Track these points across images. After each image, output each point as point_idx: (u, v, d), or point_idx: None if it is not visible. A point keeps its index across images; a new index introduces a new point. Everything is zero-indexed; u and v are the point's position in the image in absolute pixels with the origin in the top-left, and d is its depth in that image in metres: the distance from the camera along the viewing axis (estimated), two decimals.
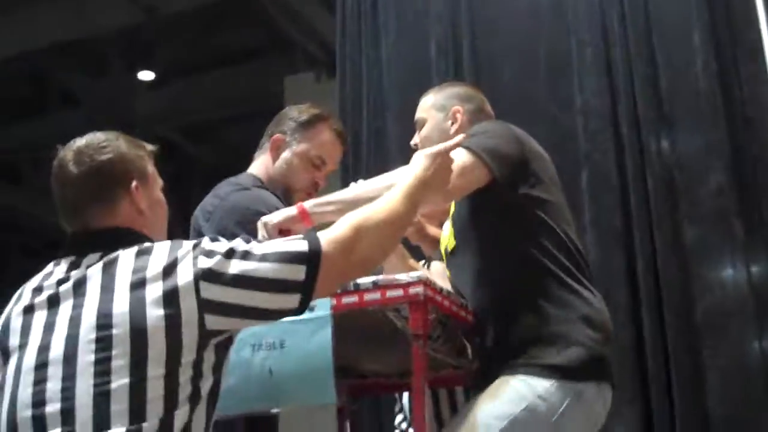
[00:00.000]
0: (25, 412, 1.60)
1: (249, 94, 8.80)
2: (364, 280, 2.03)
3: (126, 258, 1.69)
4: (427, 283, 1.98)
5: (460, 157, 2.13)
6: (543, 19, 4.47)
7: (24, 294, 1.77)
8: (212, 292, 1.64)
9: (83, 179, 1.80)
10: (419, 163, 1.98)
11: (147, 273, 1.65)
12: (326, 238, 1.73)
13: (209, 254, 1.67)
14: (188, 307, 1.63)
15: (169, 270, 1.65)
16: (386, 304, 2.02)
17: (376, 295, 2.01)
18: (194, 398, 1.62)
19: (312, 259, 1.69)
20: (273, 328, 2.01)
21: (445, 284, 2.38)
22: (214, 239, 1.73)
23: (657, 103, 4.10)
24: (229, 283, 1.65)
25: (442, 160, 2.01)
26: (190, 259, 1.66)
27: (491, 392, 2.09)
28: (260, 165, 2.76)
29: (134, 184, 1.83)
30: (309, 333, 1.99)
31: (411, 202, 1.88)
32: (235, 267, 1.66)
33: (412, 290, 1.97)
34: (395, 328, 2.10)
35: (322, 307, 1.99)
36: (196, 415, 1.62)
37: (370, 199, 1.92)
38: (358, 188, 2.21)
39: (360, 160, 4.75)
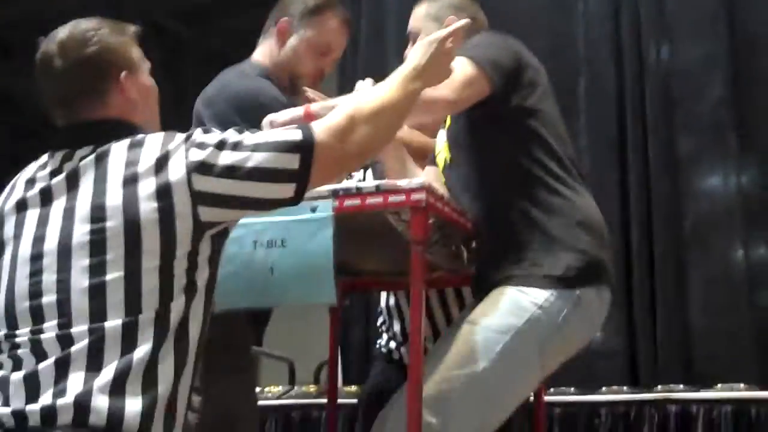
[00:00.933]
0: (22, 303, 1.61)
1: None
2: (367, 184, 2.06)
3: (118, 150, 1.68)
4: (429, 189, 2.01)
5: (465, 68, 2.13)
6: None
7: (17, 185, 1.77)
8: (204, 183, 1.63)
9: (70, 73, 1.76)
10: (418, 50, 1.97)
11: (139, 167, 1.64)
12: (320, 126, 1.71)
13: (201, 146, 1.66)
14: (181, 199, 1.62)
15: (161, 163, 1.64)
16: (388, 209, 2.04)
17: (378, 199, 2.02)
18: (190, 290, 1.63)
19: (306, 147, 1.67)
20: (274, 226, 2.03)
21: (441, 189, 2.41)
22: (206, 131, 1.71)
23: (659, 12, 4.09)
24: (221, 174, 1.64)
25: (440, 46, 1.99)
26: (182, 151, 1.65)
27: (490, 304, 2.12)
28: (265, 51, 2.72)
29: (123, 74, 1.79)
30: (310, 233, 2.01)
31: (407, 89, 1.86)
32: (227, 158, 1.65)
33: (414, 196, 1.98)
34: (393, 229, 2.13)
35: (324, 208, 2.02)
36: (193, 306, 1.64)
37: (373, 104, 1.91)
38: (364, 92, 2.21)
39: (358, 54, 4.73)
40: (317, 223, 2.02)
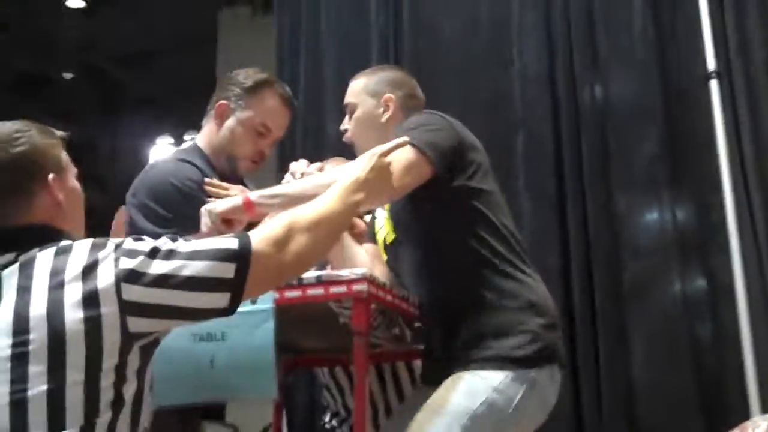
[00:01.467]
0: None
1: (182, 25, 8.61)
2: (308, 275, 2.04)
3: (44, 258, 1.63)
4: (370, 280, 2.00)
5: (404, 154, 2.13)
6: None
7: None
8: (134, 293, 1.58)
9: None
10: (360, 163, 1.97)
11: (65, 275, 1.59)
12: (258, 236, 1.69)
13: (131, 254, 1.61)
14: (109, 310, 1.57)
15: (89, 271, 1.59)
16: (329, 300, 2.02)
17: (319, 291, 2.01)
18: (117, 404, 1.58)
19: (242, 256, 1.64)
20: (214, 320, 2.00)
21: (381, 267, 2.40)
22: (137, 239, 1.67)
23: (594, 68, 4.13)
24: (152, 284, 1.59)
25: (380, 159, 2.00)
26: (111, 260, 1.61)
27: (447, 389, 2.11)
28: (205, 134, 2.72)
29: (51, 176, 1.77)
30: (251, 326, 1.98)
31: (347, 202, 1.87)
32: (159, 267, 1.60)
33: (355, 287, 1.98)
34: (335, 315, 2.11)
35: (265, 300, 1.99)
36: (120, 420, 1.58)
37: (314, 196, 1.90)
38: (303, 183, 2.19)
39: (297, 110, 4.69)
40: (258, 315, 1.99)
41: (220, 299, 1.64)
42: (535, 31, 4.25)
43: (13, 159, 1.73)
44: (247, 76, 2.72)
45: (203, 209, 2.15)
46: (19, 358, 1.54)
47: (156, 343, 1.69)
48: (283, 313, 2.03)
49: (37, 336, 1.55)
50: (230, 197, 2.22)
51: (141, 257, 1.61)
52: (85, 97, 9.99)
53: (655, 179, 3.96)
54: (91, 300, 1.57)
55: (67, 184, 1.82)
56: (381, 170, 1.99)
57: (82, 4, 8.71)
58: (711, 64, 3.77)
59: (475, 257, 2.21)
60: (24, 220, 1.72)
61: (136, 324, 1.59)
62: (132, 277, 1.59)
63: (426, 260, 2.27)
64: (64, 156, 1.84)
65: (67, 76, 10.02)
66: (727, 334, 3.76)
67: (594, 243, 3.95)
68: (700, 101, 3.83)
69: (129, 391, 1.61)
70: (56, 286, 1.58)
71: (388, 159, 2.04)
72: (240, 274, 1.64)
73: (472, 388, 2.09)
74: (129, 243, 1.65)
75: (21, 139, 1.76)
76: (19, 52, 9.16)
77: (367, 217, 2.66)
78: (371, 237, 2.55)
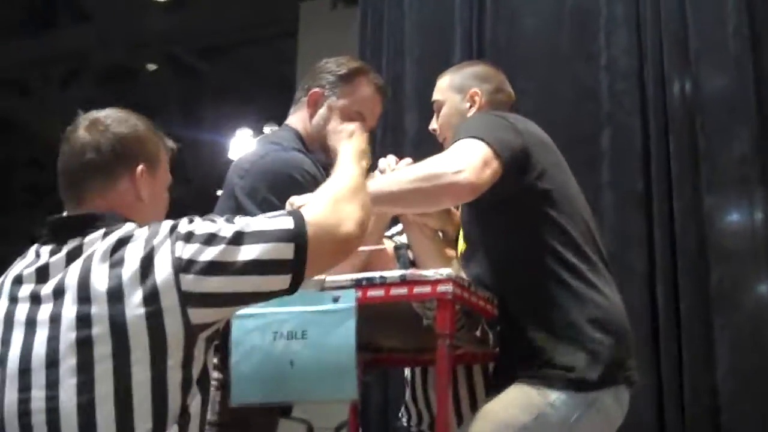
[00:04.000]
0: (13, 421, 1.54)
1: (263, 17, 8.65)
2: (392, 274, 1.99)
3: (103, 249, 1.59)
4: (456, 281, 1.94)
5: (478, 149, 2.07)
6: None
7: (4, 286, 1.69)
8: (194, 283, 1.54)
9: (91, 147, 1.71)
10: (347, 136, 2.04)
11: (124, 269, 1.55)
12: (310, 213, 1.65)
13: (187, 238, 1.57)
14: (170, 303, 1.53)
15: (147, 264, 1.55)
16: (413, 300, 1.98)
17: (402, 291, 1.96)
18: (182, 416, 1.55)
19: (299, 235, 1.60)
20: (295, 317, 1.96)
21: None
22: (191, 220, 1.63)
23: (685, 65, 4.01)
24: (210, 272, 1.55)
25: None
26: (167, 246, 1.56)
27: (501, 398, 2.07)
28: (298, 120, 2.65)
29: (141, 167, 1.74)
30: (332, 325, 1.94)
31: (362, 167, 1.90)
32: (217, 253, 1.56)
33: (440, 288, 1.92)
34: (417, 316, 2.06)
35: (347, 298, 1.95)
36: (190, 416, 1.57)
37: (391, 194, 2.00)
38: (382, 181, 2.14)
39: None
40: (340, 314, 1.95)
41: (282, 281, 1.61)
42: (623, 24, 4.14)
43: (110, 137, 1.72)
44: (340, 64, 2.67)
45: (288, 201, 2.11)
46: (85, 356, 1.52)
47: (216, 335, 1.65)
48: (364, 311, 1.98)
49: (101, 331, 1.52)
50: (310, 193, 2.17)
51: (196, 244, 1.57)
52: (168, 89, 10.11)
53: (745, 179, 3.83)
54: (151, 295, 1.53)
55: (156, 186, 1.80)
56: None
57: None
58: None
59: (538, 268, 2.14)
60: (101, 204, 1.70)
61: (197, 315, 1.56)
62: (189, 266, 1.55)
63: (491, 273, 2.21)
64: (163, 159, 1.83)
65: (151, 67, 10.16)
66: None
67: (680, 244, 3.84)
68: None
69: (194, 402, 1.59)
70: (115, 281, 1.55)
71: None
72: (300, 254, 1.60)
73: (526, 400, 2.04)
74: (183, 225, 1.61)
75: (127, 123, 1.75)
76: (103, 43, 9.30)
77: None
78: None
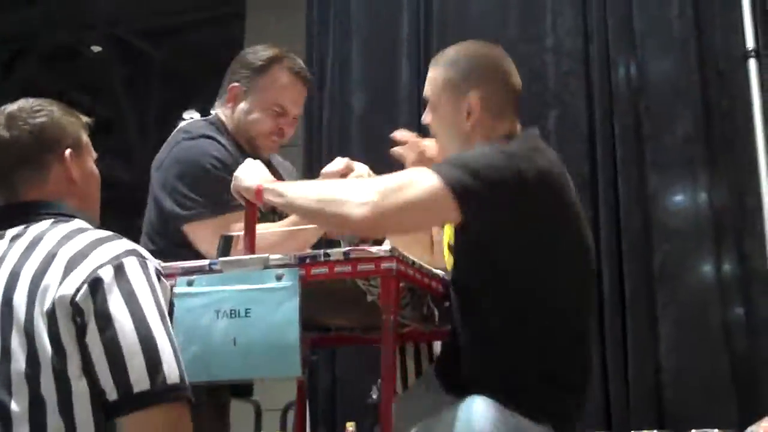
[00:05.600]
0: None
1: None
2: (335, 251, 1.98)
3: (51, 236, 1.61)
4: (399, 257, 1.93)
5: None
6: None
7: None
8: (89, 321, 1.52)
9: (14, 142, 1.72)
10: None
11: (49, 271, 1.55)
12: None
13: (105, 288, 1.53)
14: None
15: (69, 267, 1.55)
16: (357, 277, 1.97)
17: (346, 268, 1.94)
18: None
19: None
20: (238, 295, 1.94)
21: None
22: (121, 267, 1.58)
23: (630, 47, 4.05)
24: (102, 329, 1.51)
25: None
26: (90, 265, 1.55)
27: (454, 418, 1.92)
28: (221, 110, 2.65)
29: (68, 151, 1.75)
30: (276, 303, 1.92)
31: None
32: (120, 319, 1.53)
33: (384, 265, 1.91)
34: (362, 292, 2.06)
35: (290, 276, 1.93)
36: None
37: (316, 202, 1.96)
38: (309, 189, 2.05)
39: (324, 89, 4.64)
40: (283, 292, 1.93)
41: None
42: (569, 6, 4.16)
43: (30, 130, 1.73)
44: (255, 55, 2.62)
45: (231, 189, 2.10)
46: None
47: None
48: (309, 288, 1.97)
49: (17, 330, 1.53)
50: (258, 174, 2.15)
51: (122, 287, 1.56)
52: (114, 71, 9.97)
53: (690, 161, 3.89)
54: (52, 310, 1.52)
55: (85, 165, 1.80)
56: None
57: None
58: (750, 42, 3.69)
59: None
60: (36, 195, 1.71)
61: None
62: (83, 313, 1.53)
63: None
64: (85, 138, 1.82)
65: (96, 49, 10.01)
66: (760, 319, 3.70)
67: (625, 225, 3.89)
68: (738, 81, 3.75)
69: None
70: (40, 272, 1.55)
71: None
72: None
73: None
74: (125, 261, 1.59)
75: (41, 112, 1.75)
76: (48, 25, 9.15)
77: None
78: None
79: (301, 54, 4.78)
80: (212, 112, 2.69)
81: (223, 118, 2.63)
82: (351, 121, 4.48)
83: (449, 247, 2.33)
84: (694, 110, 3.87)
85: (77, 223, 1.68)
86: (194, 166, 2.44)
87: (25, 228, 1.65)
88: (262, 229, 2.29)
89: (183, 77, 10.39)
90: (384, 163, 2.43)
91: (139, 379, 1.50)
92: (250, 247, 2.12)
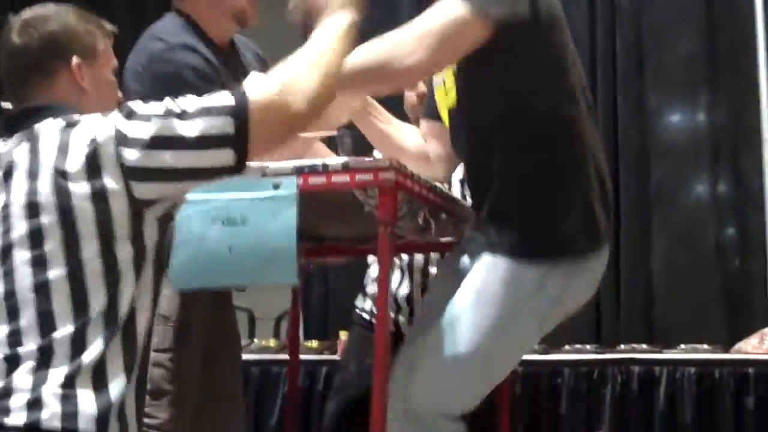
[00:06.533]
0: None
1: None
2: (333, 161, 1.96)
3: (50, 133, 1.59)
4: (397, 167, 1.92)
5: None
6: None
7: None
8: (135, 157, 1.53)
9: (23, 49, 1.70)
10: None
11: (69, 153, 1.55)
12: (254, 88, 1.61)
13: (129, 116, 1.57)
14: (113, 179, 1.53)
15: (91, 145, 1.55)
16: (354, 188, 1.95)
17: (344, 178, 1.93)
18: (138, 278, 1.55)
19: (240, 113, 1.57)
20: (234, 204, 1.93)
21: (435, 143, 2.36)
22: (134, 102, 1.62)
23: None
24: (152, 146, 1.54)
25: None
26: (110, 124, 1.56)
27: (488, 274, 1.98)
28: (192, 5, 2.51)
29: (76, 60, 1.71)
30: (272, 211, 1.91)
31: (345, 43, 1.75)
32: (158, 127, 1.55)
33: (382, 175, 1.89)
34: (359, 203, 2.05)
35: (288, 185, 1.92)
36: (141, 298, 1.56)
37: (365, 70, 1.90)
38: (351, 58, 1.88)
39: None
40: (280, 201, 1.92)
41: (226, 157, 1.56)
42: None
43: (38, 37, 1.70)
44: None
45: None
46: (37, 245, 1.51)
47: (170, 217, 1.64)
48: (306, 198, 1.96)
49: (50, 219, 1.52)
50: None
51: (138, 120, 1.56)
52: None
53: (690, 79, 3.86)
54: (93, 168, 1.53)
55: (98, 73, 1.76)
56: None
57: None
58: None
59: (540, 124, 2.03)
60: (42, 100, 1.69)
61: (140, 189, 1.54)
62: (130, 140, 1.54)
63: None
64: (101, 46, 1.77)
65: None
66: (752, 239, 3.71)
67: (623, 142, 3.87)
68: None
69: (147, 267, 1.57)
70: (60, 159, 1.54)
71: None
72: (241, 129, 1.57)
73: (515, 275, 1.97)
74: (125, 107, 1.60)
75: (53, 20, 1.72)
76: None
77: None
78: (430, 112, 2.43)
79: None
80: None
81: (189, 11, 2.50)
82: None
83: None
84: (698, 27, 3.82)
85: (71, 117, 1.64)
86: (177, 80, 2.30)
87: (30, 131, 1.63)
88: None
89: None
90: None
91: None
92: None
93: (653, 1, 3.94)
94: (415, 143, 2.46)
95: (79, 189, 1.52)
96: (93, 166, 1.53)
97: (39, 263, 1.51)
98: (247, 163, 1.59)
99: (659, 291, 3.74)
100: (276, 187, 1.92)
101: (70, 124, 1.60)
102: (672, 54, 3.87)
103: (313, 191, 1.96)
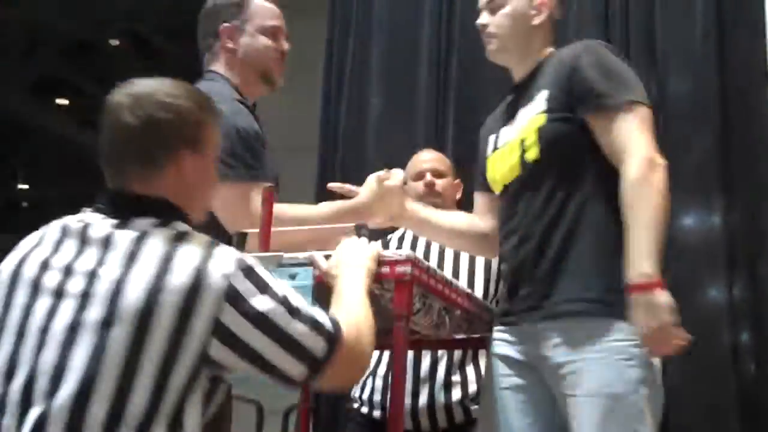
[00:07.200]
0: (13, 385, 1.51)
1: None
2: None
3: (156, 243, 1.56)
4: (415, 262, 1.92)
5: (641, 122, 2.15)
6: None
7: (43, 243, 1.64)
8: (233, 319, 1.53)
9: (131, 130, 1.64)
10: (358, 252, 1.92)
11: (173, 267, 1.52)
12: (345, 327, 1.66)
13: (248, 274, 1.56)
14: (202, 320, 1.51)
15: (197, 271, 1.53)
16: None
17: None
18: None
19: (332, 341, 1.61)
20: None
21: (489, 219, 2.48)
22: (250, 273, 1.59)
23: (651, 64, 4.03)
24: (254, 321, 1.54)
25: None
26: (226, 270, 1.54)
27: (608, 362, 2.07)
28: (222, 66, 2.58)
29: (186, 152, 1.68)
30: None
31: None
32: (268, 307, 1.56)
33: (398, 268, 1.91)
34: (375, 296, 2.04)
35: (304, 276, 1.92)
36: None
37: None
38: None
39: (341, 93, 4.62)
40: (297, 292, 1.91)
41: (298, 369, 1.59)
42: (592, 24, 4.14)
43: (150, 121, 1.65)
44: None
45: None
46: (104, 328, 1.49)
47: (216, 386, 1.64)
48: (322, 289, 1.96)
49: (124, 327, 1.49)
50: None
51: (253, 286, 1.56)
52: (130, 65, 10.00)
53: (705, 180, 3.85)
54: (188, 304, 1.51)
55: (203, 166, 1.73)
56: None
57: None
58: None
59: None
60: (146, 190, 1.66)
61: (217, 350, 1.54)
62: (237, 301, 1.54)
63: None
64: (211, 134, 1.75)
65: (114, 43, 10.04)
66: None
67: None
68: (757, 101, 3.73)
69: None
70: (156, 283, 1.52)
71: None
72: (326, 357, 1.60)
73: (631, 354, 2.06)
74: (251, 265, 1.60)
75: (170, 105, 1.67)
76: (67, 17, 9.18)
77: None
78: (485, 186, 2.48)
79: (320, 58, 4.80)
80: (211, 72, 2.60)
81: (228, 72, 2.58)
82: (367, 127, 4.46)
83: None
84: (713, 130, 3.84)
85: (179, 226, 1.64)
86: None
87: (125, 222, 1.61)
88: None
89: (198, 74, 10.41)
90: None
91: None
92: (264, 243, 2.10)
93: (666, 101, 3.96)
94: (468, 226, 2.52)
95: (166, 313, 1.50)
96: (189, 301, 1.51)
97: (98, 352, 1.48)
98: (302, 385, 1.64)
99: (673, 394, 3.68)
100: (292, 277, 1.93)
101: (180, 238, 1.57)
102: (686, 156, 3.89)
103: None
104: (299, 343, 1.58)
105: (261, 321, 1.55)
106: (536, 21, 2.35)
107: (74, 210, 1.75)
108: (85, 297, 1.52)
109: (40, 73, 10.47)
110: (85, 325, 1.50)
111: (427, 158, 3.17)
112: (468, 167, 3.50)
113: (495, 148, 2.39)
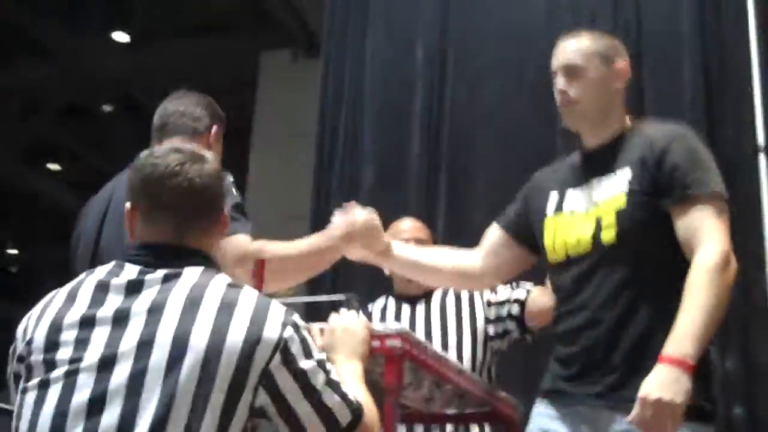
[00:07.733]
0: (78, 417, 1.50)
1: (223, 65, 8.65)
2: None
3: (212, 295, 1.60)
4: (405, 336, 1.91)
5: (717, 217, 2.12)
6: (534, 34, 4.36)
7: (83, 291, 1.64)
8: (278, 372, 1.58)
9: (203, 188, 1.72)
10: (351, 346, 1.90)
11: (233, 316, 1.57)
12: (365, 407, 1.70)
13: (297, 331, 1.61)
14: (256, 371, 1.56)
15: (256, 323, 1.58)
16: None
17: None
18: None
19: (356, 414, 1.66)
20: None
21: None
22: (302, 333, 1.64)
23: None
24: (296, 377, 1.59)
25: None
26: (281, 325, 1.60)
27: None
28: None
29: (225, 209, 1.81)
30: None
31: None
32: (309, 368, 1.61)
33: (389, 342, 1.89)
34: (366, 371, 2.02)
35: None
36: None
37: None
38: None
39: (334, 160, 4.64)
40: None
41: None
42: None
43: (218, 181, 1.76)
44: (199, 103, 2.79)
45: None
46: (168, 378, 1.51)
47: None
48: None
49: (189, 367, 1.52)
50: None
51: (301, 345, 1.62)
52: (124, 130, 10.05)
53: None
54: (247, 354, 1.55)
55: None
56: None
57: (126, 39, 8.77)
58: (761, 138, 3.70)
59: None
60: (199, 244, 1.72)
61: (260, 395, 1.58)
62: (287, 356, 1.59)
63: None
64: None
65: (107, 108, 10.09)
66: (762, 416, 3.64)
67: None
68: (748, 175, 3.75)
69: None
70: (222, 323, 1.56)
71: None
72: (349, 428, 1.64)
73: None
74: (300, 325, 1.64)
75: (215, 169, 1.77)
76: (61, 82, 9.24)
77: None
78: (512, 228, 2.49)
79: (312, 125, 4.83)
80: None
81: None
82: (359, 195, 4.46)
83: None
84: None
85: (224, 277, 1.68)
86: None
87: (179, 271, 1.64)
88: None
89: None
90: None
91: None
92: None
93: None
94: (456, 263, 2.50)
95: (227, 362, 1.53)
96: (248, 352, 1.55)
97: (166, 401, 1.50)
98: None
99: None
100: None
101: (234, 286, 1.63)
102: None
103: None
104: (331, 411, 1.62)
105: (304, 382, 1.60)
106: (616, 86, 2.34)
107: (64, 275, 1.73)
108: (144, 344, 1.54)
109: (32, 138, 10.49)
110: (151, 372, 1.52)
111: (407, 227, 3.16)
112: (458, 236, 3.50)
113: (558, 209, 2.35)
